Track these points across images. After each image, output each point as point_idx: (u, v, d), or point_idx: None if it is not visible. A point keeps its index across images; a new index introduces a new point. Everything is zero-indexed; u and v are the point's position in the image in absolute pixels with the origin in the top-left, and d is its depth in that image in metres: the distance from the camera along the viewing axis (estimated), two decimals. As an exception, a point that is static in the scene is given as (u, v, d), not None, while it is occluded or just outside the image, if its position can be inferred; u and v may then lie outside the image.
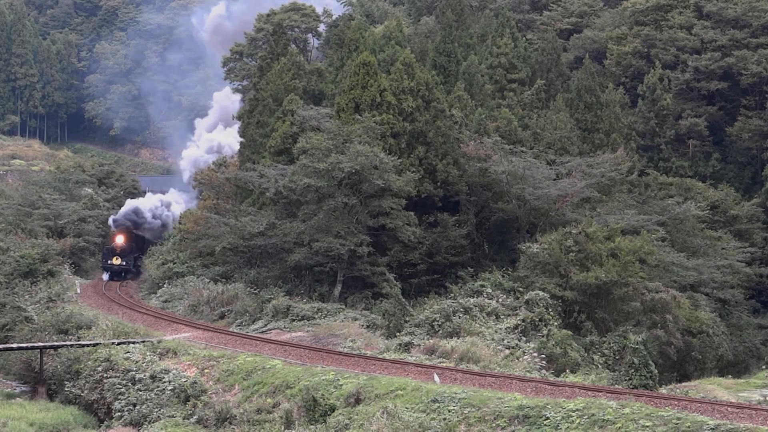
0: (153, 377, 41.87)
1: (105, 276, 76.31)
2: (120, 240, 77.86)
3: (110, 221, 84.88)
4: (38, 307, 57.25)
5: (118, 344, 46.10)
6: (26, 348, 47.95)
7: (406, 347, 42.62)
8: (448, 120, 61.59)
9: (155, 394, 40.73)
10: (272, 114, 68.05)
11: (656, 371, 38.93)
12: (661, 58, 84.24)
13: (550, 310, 47.39)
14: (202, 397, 39.20)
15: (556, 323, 46.64)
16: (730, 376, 48.02)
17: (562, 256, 49.62)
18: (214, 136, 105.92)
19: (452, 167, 59.36)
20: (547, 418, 28.28)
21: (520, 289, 50.33)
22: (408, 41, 77.79)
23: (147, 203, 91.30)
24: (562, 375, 40.42)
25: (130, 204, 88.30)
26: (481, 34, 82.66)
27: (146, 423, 39.13)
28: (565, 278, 49.53)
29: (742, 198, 75.29)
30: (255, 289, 57.09)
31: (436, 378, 34.74)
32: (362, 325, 48.35)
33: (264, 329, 50.56)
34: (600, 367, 43.50)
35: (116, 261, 76.53)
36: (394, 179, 53.98)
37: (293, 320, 50.84)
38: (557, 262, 49.86)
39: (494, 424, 29.23)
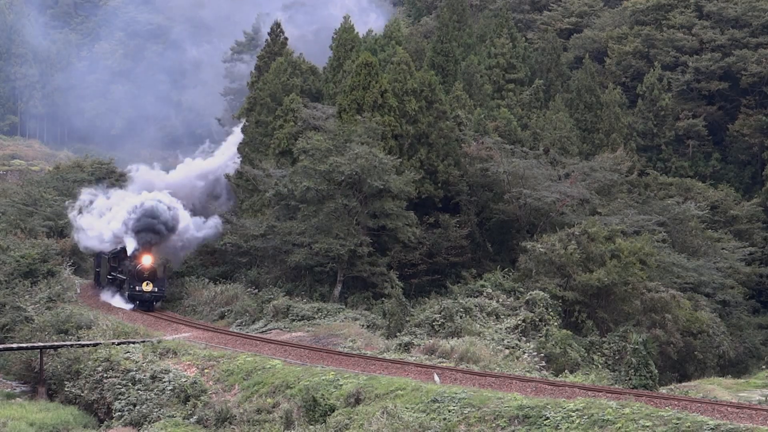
0: (153, 377, 41.89)
1: (127, 305, 59.92)
2: (148, 261, 60.12)
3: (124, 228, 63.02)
4: (38, 307, 57.21)
5: (118, 344, 46.14)
6: (26, 348, 47.99)
7: (406, 347, 42.63)
8: (450, 121, 61.49)
9: (155, 394, 40.74)
10: (271, 113, 67.90)
11: (656, 371, 39.03)
12: (661, 59, 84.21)
13: (550, 310, 47.40)
14: (202, 397, 39.22)
15: (556, 323, 46.65)
16: (730, 376, 48.07)
17: (568, 256, 49.60)
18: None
19: (453, 168, 59.30)
20: (547, 418, 28.29)
21: (521, 290, 50.35)
22: (407, 41, 77.64)
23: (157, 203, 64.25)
24: (561, 375, 40.43)
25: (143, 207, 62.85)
26: (481, 34, 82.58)
27: (146, 423, 39.18)
28: (566, 278, 49.52)
29: (742, 198, 75.23)
30: (255, 289, 57.05)
31: (436, 378, 34.74)
32: (362, 325, 48.34)
33: (264, 329, 50.54)
34: (600, 367, 43.58)
35: (147, 287, 59.66)
36: (393, 180, 53.89)
37: (293, 320, 50.82)
38: (561, 262, 49.85)
39: (494, 424, 29.23)
